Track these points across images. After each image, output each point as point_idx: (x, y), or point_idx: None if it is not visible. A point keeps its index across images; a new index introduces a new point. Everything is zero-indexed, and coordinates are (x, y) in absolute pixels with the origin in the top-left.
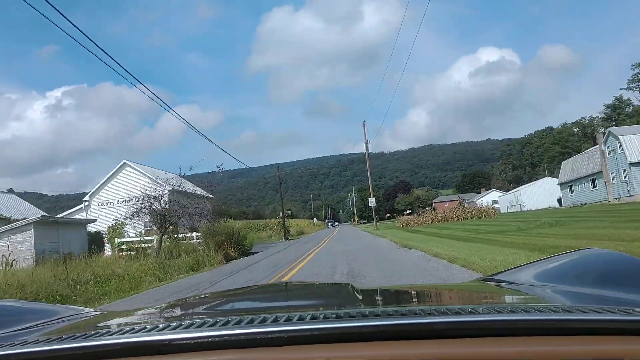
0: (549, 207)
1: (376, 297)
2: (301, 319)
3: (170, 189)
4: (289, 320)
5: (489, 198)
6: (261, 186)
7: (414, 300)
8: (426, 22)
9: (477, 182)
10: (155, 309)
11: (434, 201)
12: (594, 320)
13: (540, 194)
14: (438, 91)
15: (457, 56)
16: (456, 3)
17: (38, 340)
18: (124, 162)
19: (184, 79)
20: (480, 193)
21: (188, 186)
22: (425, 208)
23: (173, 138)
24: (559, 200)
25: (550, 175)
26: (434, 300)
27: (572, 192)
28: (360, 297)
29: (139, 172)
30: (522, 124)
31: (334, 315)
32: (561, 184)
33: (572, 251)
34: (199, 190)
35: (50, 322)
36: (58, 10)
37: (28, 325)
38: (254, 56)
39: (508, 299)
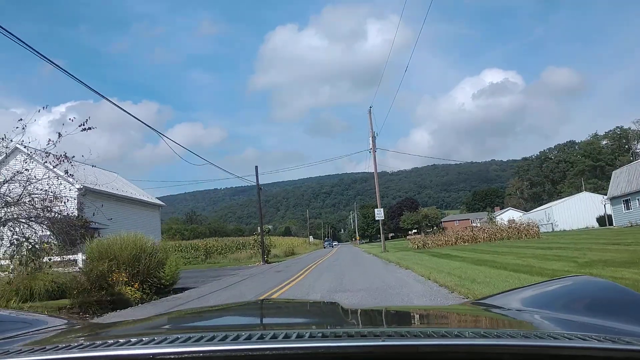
0: (587, 227)
1: (363, 318)
2: (287, 337)
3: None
4: (274, 337)
5: (504, 217)
6: (262, 203)
7: (401, 321)
8: (431, 43)
9: (489, 201)
10: (141, 322)
11: (443, 220)
12: (579, 348)
13: (577, 211)
14: (442, 112)
15: (460, 77)
16: (459, 25)
17: (21, 350)
18: (17, 147)
19: (187, 97)
20: (493, 212)
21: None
22: (433, 227)
23: (175, 155)
24: (601, 219)
25: (581, 191)
26: (422, 322)
27: (628, 209)
28: (347, 317)
29: (39, 162)
30: (527, 144)
31: (320, 334)
32: (612, 199)
33: (561, 277)
34: (143, 196)
35: (35, 332)
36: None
37: (13, 334)
38: (257, 75)
39: (495, 323)
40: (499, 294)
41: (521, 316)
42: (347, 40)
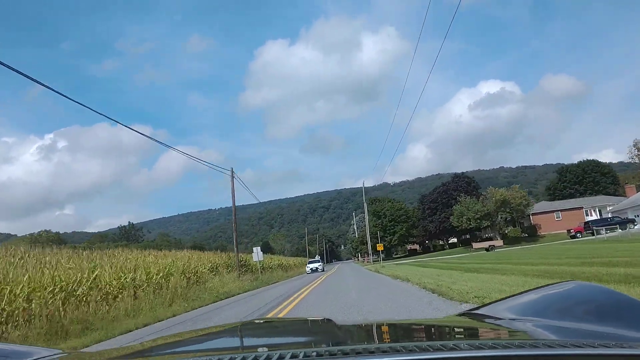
0: None
1: (358, 334)
2: (281, 358)
3: None
4: (269, 359)
5: None
6: (254, 222)
7: (395, 336)
8: (429, 59)
9: (590, 181)
10: (128, 349)
11: (532, 212)
12: (574, 355)
13: None
14: (440, 124)
15: (457, 89)
16: (458, 41)
17: None
18: None
19: (180, 119)
20: (615, 195)
21: None
22: (513, 225)
23: (170, 178)
24: None
25: None
26: (416, 336)
27: None
28: (341, 334)
29: None
30: (536, 150)
31: (315, 354)
32: None
33: (556, 283)
34: None
35: None
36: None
37: None
38: (250, 93)
39: (490, 334)
40: (493, 302)
41: (516, 325)
42: (341, 54)
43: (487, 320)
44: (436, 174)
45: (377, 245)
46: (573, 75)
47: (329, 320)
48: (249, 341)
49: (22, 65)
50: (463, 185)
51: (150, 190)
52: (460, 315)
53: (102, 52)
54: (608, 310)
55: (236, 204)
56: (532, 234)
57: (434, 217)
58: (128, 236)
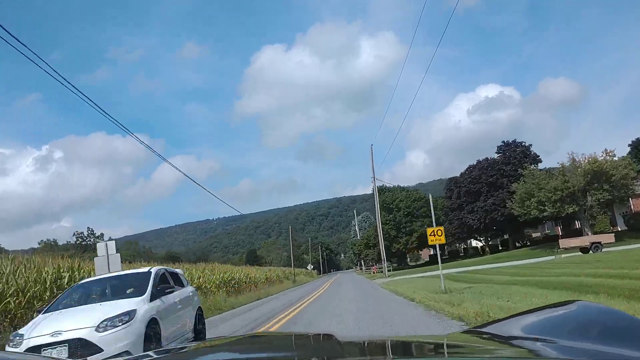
0: None
1: (360, 350)
2: None
3: None
4: None
5: None
6: (251, 231)
7: (398, 353)
8: (424, 66)
9: None
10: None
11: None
12: None
13: None
14: (439, 130)
15: (455, 95)
16: (456, 45)
17: None
18: None
19: (175, 129)
20: None
21: None
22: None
23: (167, 189)
24: None
25: None
26: (420, 353)
27: None
28: (343, 349)
29: None
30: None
31: None
32: None
33: (562, 303)
34: None
35: None
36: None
37: None
38: (246, 101)
39: (495, 352)
40: (498, 321)
41: (521, 344)
42: (337, 62)
43: (493, 338)
44: (437, 180)
45: (431, 233)
46: (572, 78)
47: (331, 335)
48: (250, 356)
49: (17, 73)
50: (517, 155)
51: (148, 201)
52: (464, 332)
53: (94, 61)
54: (612, 331)
55: (235, 214)
56: (636, 226)
57: (475, 204)
58: (86, 245)
